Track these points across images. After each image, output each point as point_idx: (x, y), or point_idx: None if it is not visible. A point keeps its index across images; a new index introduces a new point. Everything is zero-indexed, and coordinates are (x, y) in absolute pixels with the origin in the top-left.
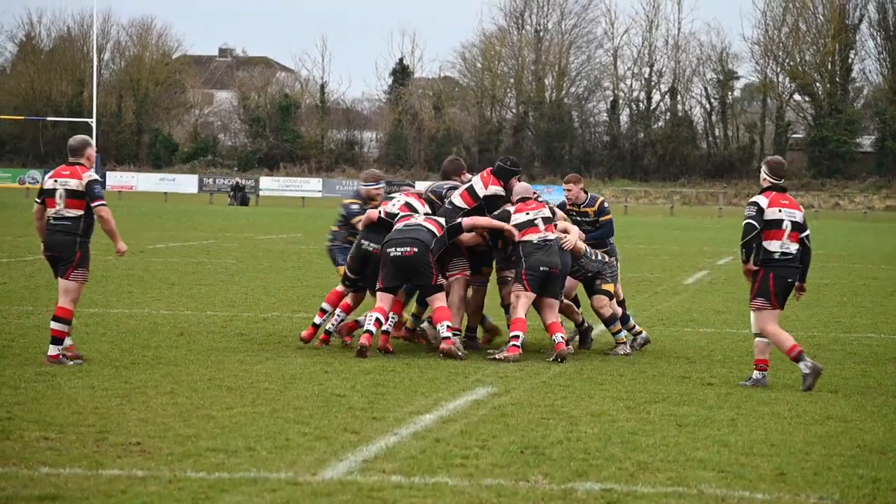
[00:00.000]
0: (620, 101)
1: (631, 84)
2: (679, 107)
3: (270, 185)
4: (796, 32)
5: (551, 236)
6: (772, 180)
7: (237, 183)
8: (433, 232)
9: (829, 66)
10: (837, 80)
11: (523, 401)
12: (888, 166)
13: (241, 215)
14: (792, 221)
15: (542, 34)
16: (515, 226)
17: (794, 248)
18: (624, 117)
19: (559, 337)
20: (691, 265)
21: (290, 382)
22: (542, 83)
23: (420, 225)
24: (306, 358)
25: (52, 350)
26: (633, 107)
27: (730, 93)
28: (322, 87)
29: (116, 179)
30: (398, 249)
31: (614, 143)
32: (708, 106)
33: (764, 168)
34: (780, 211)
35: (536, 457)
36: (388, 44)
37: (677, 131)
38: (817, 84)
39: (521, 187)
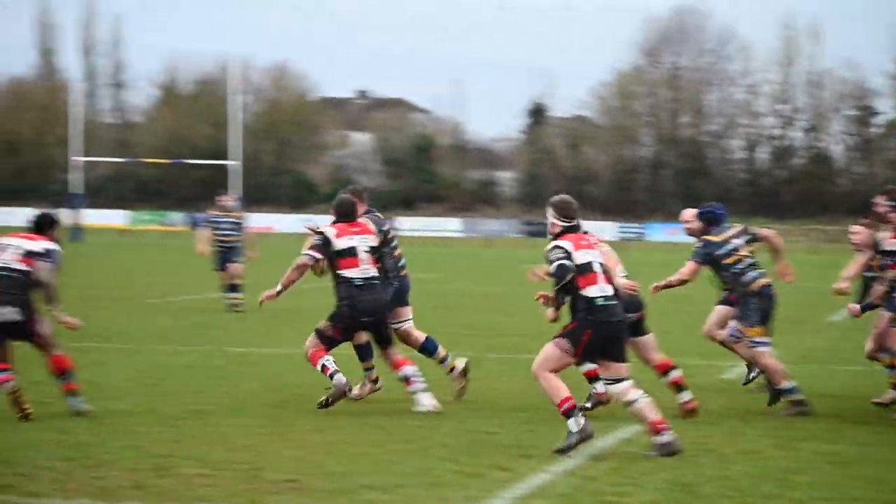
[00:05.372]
0: (757, 139)
1: (769, 121)
2: (818, 144)
3: (409, 224)
4: None
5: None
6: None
7: None
8: None
9: None
10: None
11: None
12: None
13: None
14: None
15: (678, 72)
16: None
17: None
18: (762, 154)
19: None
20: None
21: (439, 420)
22: (677, 121)
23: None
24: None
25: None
26: (771, 144)
27: (870, 129)
28: (458, 127)
29: (257, 221)
30: None
31: (753, 180)
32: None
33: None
34: None
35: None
36: (523, 84)
37: (818, 168)
38: None
39: None
